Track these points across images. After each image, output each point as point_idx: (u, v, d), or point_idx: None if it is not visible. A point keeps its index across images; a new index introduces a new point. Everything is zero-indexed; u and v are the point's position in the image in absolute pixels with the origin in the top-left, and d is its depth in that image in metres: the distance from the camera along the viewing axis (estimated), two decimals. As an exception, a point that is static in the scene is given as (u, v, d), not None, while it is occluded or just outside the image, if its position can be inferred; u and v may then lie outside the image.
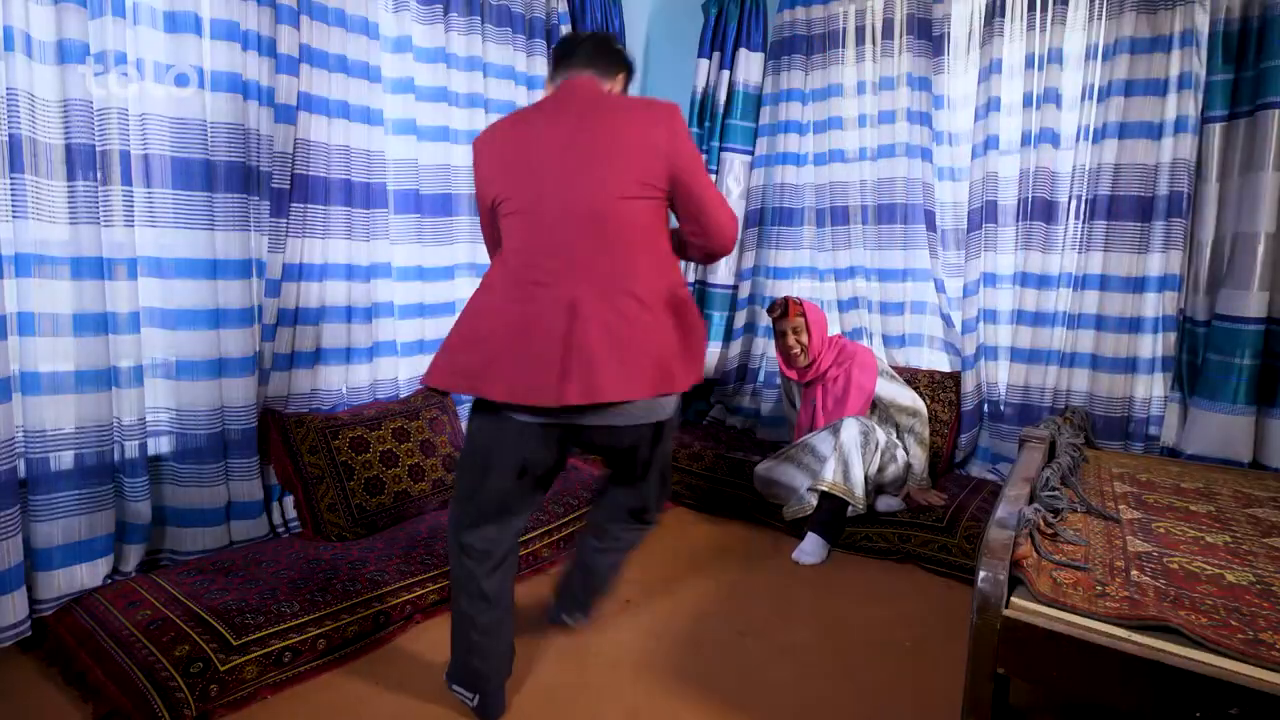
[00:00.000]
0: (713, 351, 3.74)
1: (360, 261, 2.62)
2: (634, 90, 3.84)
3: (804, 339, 2.71)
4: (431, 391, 2.86)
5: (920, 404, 2.83)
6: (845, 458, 2.47)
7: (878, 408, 2.77)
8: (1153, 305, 2.63)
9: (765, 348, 3.60)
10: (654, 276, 1.47)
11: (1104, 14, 2.64)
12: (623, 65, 1.67)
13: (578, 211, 1.42)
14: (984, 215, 2.89)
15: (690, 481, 3.07)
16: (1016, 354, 2.91)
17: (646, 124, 1.46)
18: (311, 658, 1.78)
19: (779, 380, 3.11)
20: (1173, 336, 2.60)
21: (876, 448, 2.55)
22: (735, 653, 1.92)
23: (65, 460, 1.93)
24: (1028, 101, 2.79)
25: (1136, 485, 1.98)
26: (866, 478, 2.49)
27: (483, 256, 3.04)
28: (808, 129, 3.42)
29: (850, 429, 2.50)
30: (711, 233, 1.54)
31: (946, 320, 3.09)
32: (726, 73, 3.53)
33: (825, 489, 2.46)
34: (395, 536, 2.32)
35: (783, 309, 2.74)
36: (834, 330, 3.44)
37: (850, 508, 2.47)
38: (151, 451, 2.16)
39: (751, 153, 3.58)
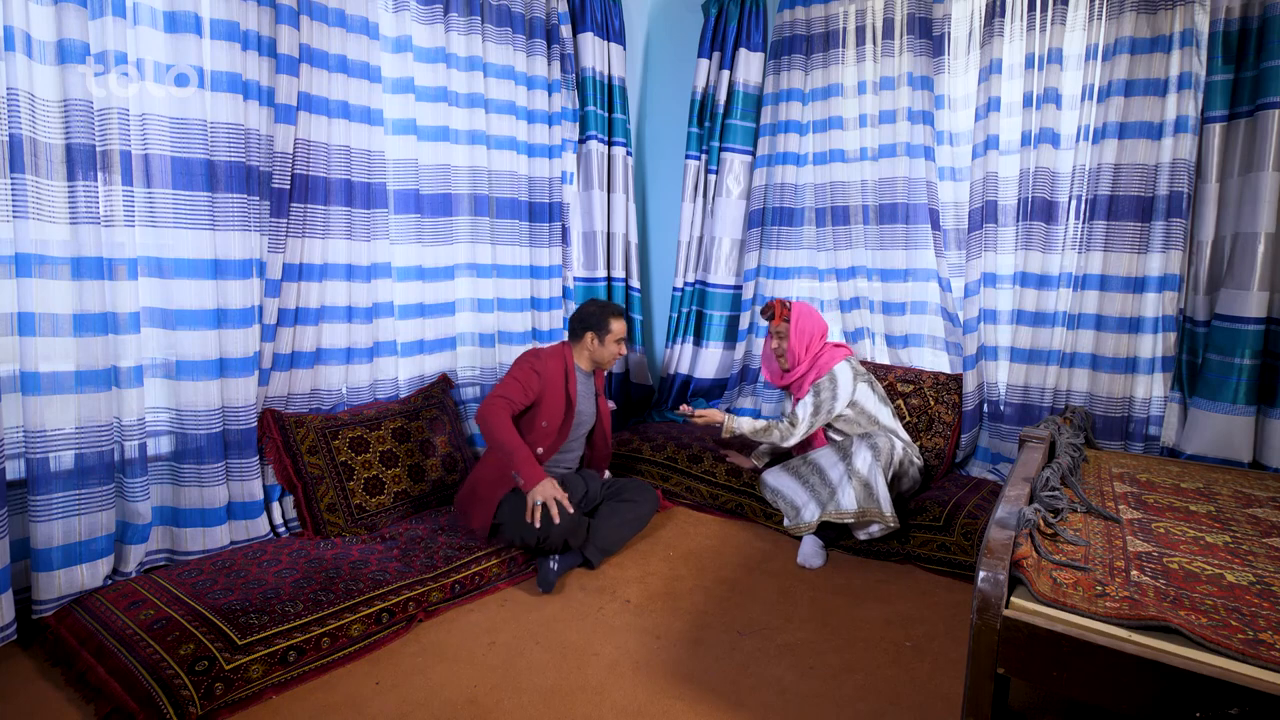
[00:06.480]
0: (713, 353, 3.74)
1: (360, 261, 2.62)
2: (632, 91, 3.86)
3: (783, 345, 2.73)
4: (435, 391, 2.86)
5: (894, 425, 2.71)
6: (866, 480, 2.42)
7: (856, 412, 2.67)
8: (1153, 305, 2.64)
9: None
10: None
11: (1104, 14, 2.64)
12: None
13: None
14: (984, 215, 2.89)
15: (689, 484, 3.08)
16: (1016, 354, 2.91)
17: None
18: (316, 657, 1.78)
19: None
20: (1173, 336, 2.60)
21: (891, 460, 2.49)
22: (735, 653, 1.93)
23: (65, 460, 1.93)
24: (1028, 101, 2.79)
25: (1136, 485, 1.98)
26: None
27: (482, 256, 3.07)
28: (808, 129, 3.42)
29: (863, 455, 2.45)
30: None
31: (952, 320, 3.09)
32: (726, 73, 3.53)
33: (851, 521, 2.41)
34: (396, 536, 2.32)
35: (770, 312, 2.76)
36: (836, 335, 3.43)
37: (879, 527, 2.42)
38: (151, 451, 2.16)
39: (752, 153, 3.58)
